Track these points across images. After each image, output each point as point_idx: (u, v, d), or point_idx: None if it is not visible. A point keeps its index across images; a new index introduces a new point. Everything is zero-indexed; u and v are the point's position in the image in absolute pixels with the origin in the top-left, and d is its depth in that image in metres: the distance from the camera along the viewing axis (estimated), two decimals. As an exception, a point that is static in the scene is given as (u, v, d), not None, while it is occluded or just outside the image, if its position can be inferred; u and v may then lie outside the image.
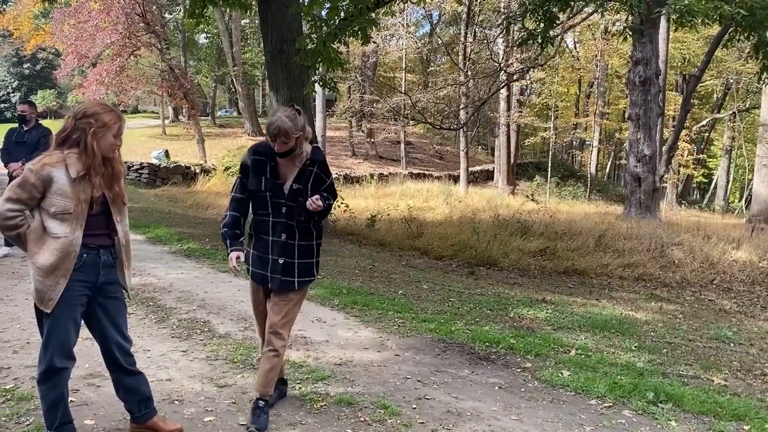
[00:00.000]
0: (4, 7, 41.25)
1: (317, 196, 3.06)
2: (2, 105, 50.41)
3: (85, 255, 2.71)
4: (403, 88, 30.72)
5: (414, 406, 3.60)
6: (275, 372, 3.26)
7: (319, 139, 19.72)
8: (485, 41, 25.84)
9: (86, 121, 2.68)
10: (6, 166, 6.88)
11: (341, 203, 12.79)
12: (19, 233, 2.65)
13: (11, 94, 50.07)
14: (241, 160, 3.22)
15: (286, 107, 3.07)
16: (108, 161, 2.77)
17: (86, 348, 3.51)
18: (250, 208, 3.26)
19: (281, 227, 3.16)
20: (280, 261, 3.18)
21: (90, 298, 2.78)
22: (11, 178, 6.79)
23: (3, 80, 51.38)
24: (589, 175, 31.59)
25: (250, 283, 3.35)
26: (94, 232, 2.75)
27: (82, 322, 2.82)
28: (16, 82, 50.80)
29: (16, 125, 7.09)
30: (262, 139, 3.23)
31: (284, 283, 3.19)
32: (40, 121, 7.23)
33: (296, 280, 3.21)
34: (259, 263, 3.23)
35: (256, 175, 3.13)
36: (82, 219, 2.68)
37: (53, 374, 2.68)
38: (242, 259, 3.19)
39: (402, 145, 31.31)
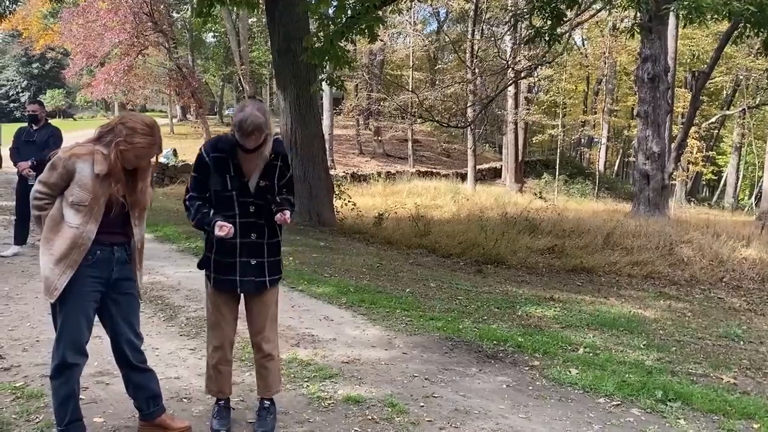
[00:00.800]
0: (14, 6, 41.47)
1: (288, 212, 3.00)
2: (12, 104, 50.70)
3: (98, 251, 2.74)
4: (411, 86, 30.72)
5: (422, 404, 3.60)
6: (275, 374, 3.21)
7: (327, 137, 19.74)
8: (493, 39, 25.78)
9: (120, 129, 2.71)
10: (15, 165, 6.92)
11: (348, 201, 12.82)
12: (40, 216, 2.73)
13: (20, 94, 50.33)
14: (198, 158, 3.01)
15: (252, 101, 2.97)
16: (131, 172, 2.79)
17: (96, 346, 3.52)
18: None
19: (251, 227, 3.03)
20: (252, 262, 3.05)
21: (103, 294, 2.80)
22: (21, 177, 6.85)
23: (12, 80, 51.68)
24: (597, 173, 31.49)
25: (212, 296, 3.12)
26: (110, 230, 2.77)
27: (96, 318, 2.84)
28: (25, 82, 51.09)
29: (25, 124, 7.14)
30: None
31: (259, 284, 3.09)
32: (49, 121, 7.29)
33: (267, 279, 3.11)
34: (225, 268, 3.05)
35: (219, 174, 2.96)
36: (97, 215, 2.70)
37: (65, 369, 2.71)
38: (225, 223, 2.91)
39: (409, 143, 31.31)
